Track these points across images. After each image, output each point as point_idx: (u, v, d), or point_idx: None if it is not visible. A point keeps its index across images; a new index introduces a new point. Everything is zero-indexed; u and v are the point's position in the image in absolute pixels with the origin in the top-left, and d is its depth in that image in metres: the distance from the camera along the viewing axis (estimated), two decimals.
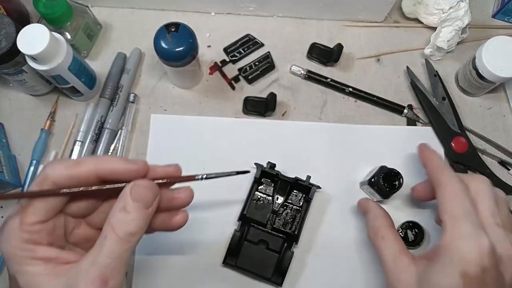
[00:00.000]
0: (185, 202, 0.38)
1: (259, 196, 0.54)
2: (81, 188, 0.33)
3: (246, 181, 0.54)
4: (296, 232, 0.52)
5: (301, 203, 0.53)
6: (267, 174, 0.53)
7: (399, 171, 0.51)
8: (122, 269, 0.32)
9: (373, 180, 0.52)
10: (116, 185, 0.34)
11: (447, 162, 0.58)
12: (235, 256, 0.51)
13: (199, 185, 0.38)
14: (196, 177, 0.38)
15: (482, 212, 0.40)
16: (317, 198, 0.55)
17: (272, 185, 0.54)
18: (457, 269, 0.37)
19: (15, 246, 0.32)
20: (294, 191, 0.54)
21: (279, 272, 0.51)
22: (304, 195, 0.54)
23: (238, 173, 0.41)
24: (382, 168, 0.52)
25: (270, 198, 0.53)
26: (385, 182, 0.51)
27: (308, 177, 0.53)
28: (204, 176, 0.38)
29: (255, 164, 0.53)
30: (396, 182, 0.51)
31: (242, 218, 0.52)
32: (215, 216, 0.54)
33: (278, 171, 0.53)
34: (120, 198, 0.33)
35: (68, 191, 0.33)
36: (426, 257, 0.41)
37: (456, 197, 0.40)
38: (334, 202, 0.55)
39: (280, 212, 0.53)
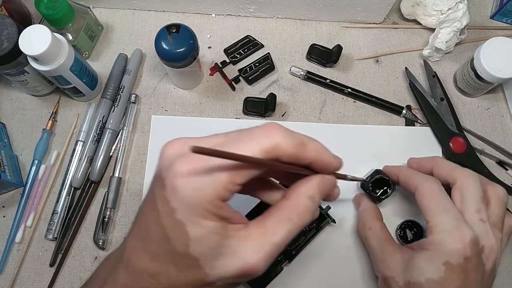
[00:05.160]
0: (334, 199, 0.40)
1: None
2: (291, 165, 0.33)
3: None
4: (294, 253, 0.50)
5: (311, 227, 0.51)
6: None
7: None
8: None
9: (364, 185, 0.53)
10: (307, 172, 0.35)
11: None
12: None
13: None
14: (347, 177, 0.43)
15: (467, 209, 0.42)
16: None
17: None
18: (440, 258, 0.40)
19: (208, 198, 0.30)
20: None
21: (262, 281, 0.50)
22: (317, 221, 0.52)
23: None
24: (373, 175, 0.52)
25: None
26: (375, 187, 0.52)
27: (328, 207, 0.52)
28: (350, 177, 0.44)
29: None
30: (389, 190, 0.52)
31: (249, 217, 0.51)
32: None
33: None
34: (310, 187, 0.35)
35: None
36: (412, 247, 0.44)
37: (432, 196, 0.43)
38: (333, 202, 0.55)
39: None
